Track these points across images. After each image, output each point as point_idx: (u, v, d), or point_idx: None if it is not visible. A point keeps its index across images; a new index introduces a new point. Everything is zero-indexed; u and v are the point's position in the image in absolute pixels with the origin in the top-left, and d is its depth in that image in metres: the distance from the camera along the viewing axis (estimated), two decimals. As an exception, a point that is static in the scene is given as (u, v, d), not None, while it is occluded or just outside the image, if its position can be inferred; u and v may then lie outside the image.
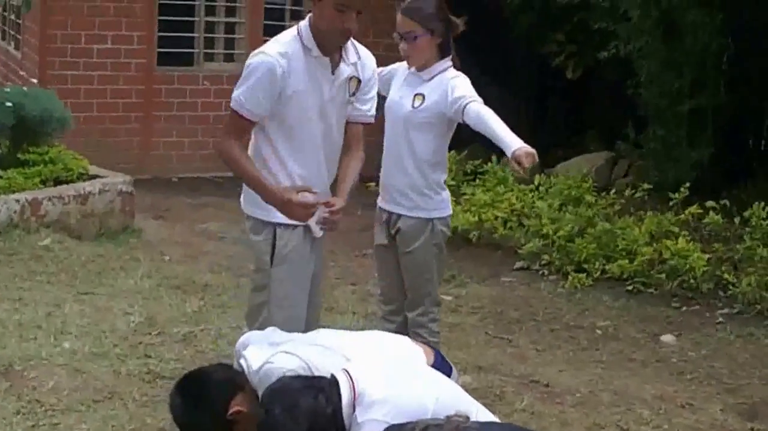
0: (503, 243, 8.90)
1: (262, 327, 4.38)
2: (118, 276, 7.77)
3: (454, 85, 4.91)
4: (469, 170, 10.03)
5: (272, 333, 4.01)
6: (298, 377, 3.60)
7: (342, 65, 4.38)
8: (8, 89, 9.52)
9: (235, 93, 4.39)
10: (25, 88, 9.60)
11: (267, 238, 4.48)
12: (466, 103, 4.81)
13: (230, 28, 12.52)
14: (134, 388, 5.43)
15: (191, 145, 12.39)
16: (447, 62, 5.03)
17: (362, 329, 5.65)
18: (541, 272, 8.34)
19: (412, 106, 4.97)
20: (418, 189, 5.00)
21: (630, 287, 7.79)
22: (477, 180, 9.78)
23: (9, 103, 9.20)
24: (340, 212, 4.33)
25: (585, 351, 6.46)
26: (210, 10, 12.38)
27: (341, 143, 4.53)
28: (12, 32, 13.45)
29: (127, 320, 6.53)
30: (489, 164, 9.89)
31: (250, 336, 4.01)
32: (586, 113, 12.94)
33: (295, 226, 4.43)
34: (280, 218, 4.40)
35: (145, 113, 12.19)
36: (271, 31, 12.24)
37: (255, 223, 4.54)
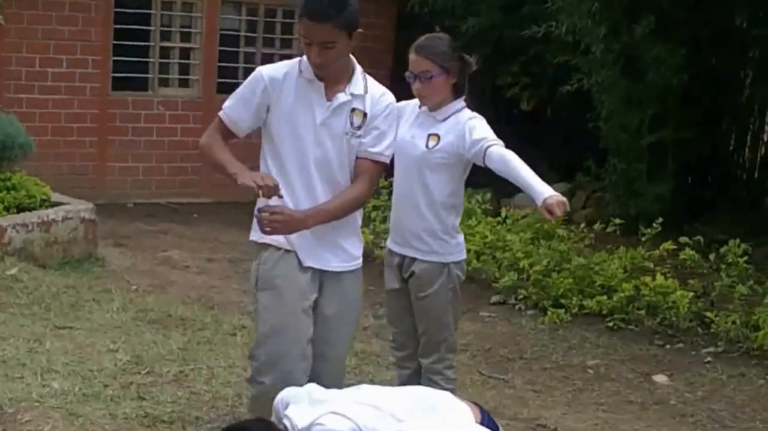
0: (476, 276, 8.86)
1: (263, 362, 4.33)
2: (92, 309, 7.60)
3: (473, 127, 4.81)
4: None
5: (312, 389, 3.89)
6: None
7: (340, 94, 4.25)
8: (-15, 114, 9.28)
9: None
10: (3, 115, 9.36)
11: (257, 261, 4.41)
12: (488, 146, 4.70)
13: (185, 53, 12.38)
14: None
15: (146, 170, 12.23)
16: (461, 102, 4.94)
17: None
18: (518, 307, 8.33)
19: (427, 147, 4.84)
20: (434, 233, 4.89)
21: (610, 324, 7.81)
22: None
23: (-14, 128, 8.99)
24: (281, 217, 4.13)
25: (582, 393, 6.44)
26: (165, 36, 12.24)
27: (345, 178, 4.34)
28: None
29: (113, 358, 6.37)
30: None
31: (289, 393, 3.89)
32: (539, 145, 13.02)
33: (287, 251, 4.30)
34: (266, 239, 4.29)
35: (100, 137, 12.01)
36: (226, 58, 12.43)
37: (253, 247, 4.49)
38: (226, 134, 4.39)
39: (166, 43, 12.22)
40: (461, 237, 5.05)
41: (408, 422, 3.62)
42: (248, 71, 12.30)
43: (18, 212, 9.02)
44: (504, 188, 10.28)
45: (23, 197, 9.16)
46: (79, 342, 6.76)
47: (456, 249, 5.01)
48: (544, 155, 12.64)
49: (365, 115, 4.29)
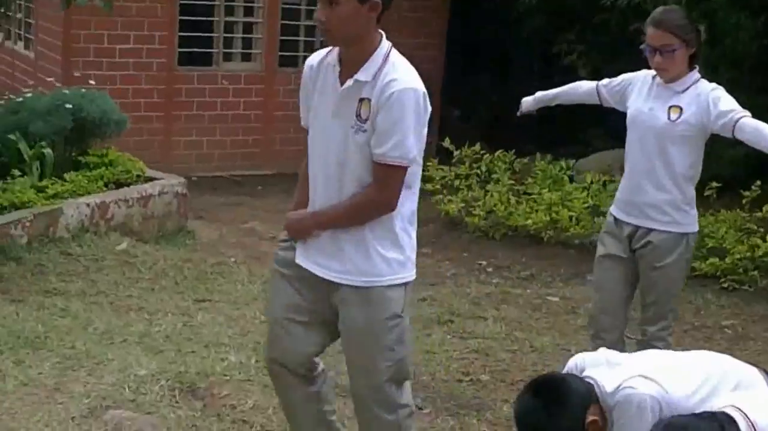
0: (574, 241, 9.00)
1: None
2: (220, 281, 7.73)
3: (717, 98, 4.88)
4: (516, 169, 10.10)
5: (608, 353, 3.99)
6: (695, 415, 3.58)
7: (349, 80, 3.65)
8: (66, 91, 9.31)
9: None
10: (83, 90, 9.40)
11: None
12: (738, 118, 4.76)
13: (248, 28, 12.43)
14: (343, 403, 5.41)
15: (210, 144, 12.28)
16: (696, 73, 5.01)
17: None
18: (623, 271, 8.46)
19: (669, 119, 4.92)
20: (676, 205, 4.98)
21: (725, 285, 7.98)
22: (529, 179, 9.87)
23: (69, 105, 9.04)
24: (292, 220, 3.87)
25: (733, 353, 6.58)
26: (229, 10, 12.27)
27: (356, 181, 3.71)
28: (20, 32, 13.14)
29: (273, 330, 6.47)
30: (539, 162, 10.00)
31: (584, 357, 3.99)
32: (588, 112, 13.16)
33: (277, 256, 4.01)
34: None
35: (166, 112, 12.04)
36: (288, 31, 12.46)
37: None
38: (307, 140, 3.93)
39: (229, 18, 12.24)
40: (695, 209, 5.13)
41: (739, 394, 3.69)
42: (309, 45, 12.66)
43: (117, 188, 9.09)
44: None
45: (120, 173, 9.23)
46: (227, 314, 6.88)
47: (694, 220, 5.12)
48: (595, 122, 12.85)
49: (371, 106, 3.64)
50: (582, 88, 5.58)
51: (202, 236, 9.52)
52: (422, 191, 9.67)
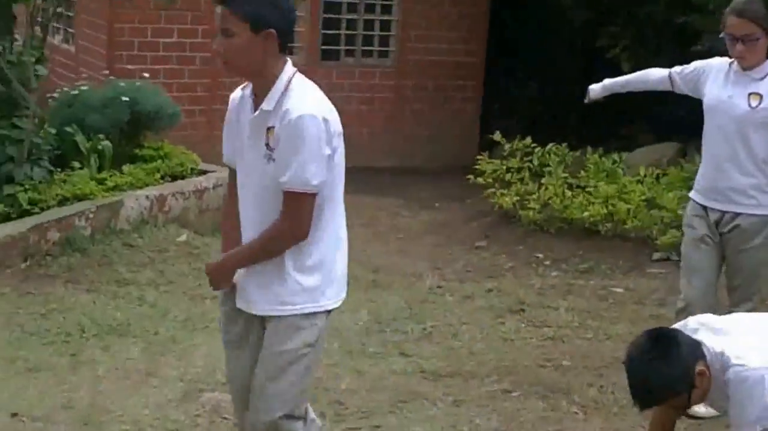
0: (630, 234, 9.02)
1: None
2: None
3: None
4: (568, 162, 10.12)
5: (709, 318, 4.05)
6: None
7: (257, 111, 3.58)
8: (122, 83, 9.34)
9: None
10: (137, 83, 9.43)
11: None
12: None
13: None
14: (433, 387, 5.46)
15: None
16: None
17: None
18: (683, 263, 8.48)
19: (749, 106, 5.02)
20: (761, 188, 5.09)
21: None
22: (582, 172, 9.90)
23: (125, 98, 9.08)
24: (210, 269, 3.77)
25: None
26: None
27: (273, 210, 3.58)
28: (59, 26, 13.17)
29: (352, 318, 6.53)
30: (591, 156, 10.02)
31: (688, 322, 4.04)
32: (630, 107, 13.21)
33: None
34: None
35: (209, 106, 12.07)
36: (330, 25, 12.50)
37: None
38: (232, 174, 3.81)
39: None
40: None
41: None
42: (350, 39, 12.71)
43: (172, 181, 9.13)
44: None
45: (175, 166, 9.27)
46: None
47: None
48: (636, 117, 12.90)
49: (277, 135, 3.55)
50: (653, 76, 5.64)
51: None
52: (474, 185, 9.81)
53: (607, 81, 5.83)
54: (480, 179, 9.98)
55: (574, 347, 6.32)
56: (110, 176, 8.67)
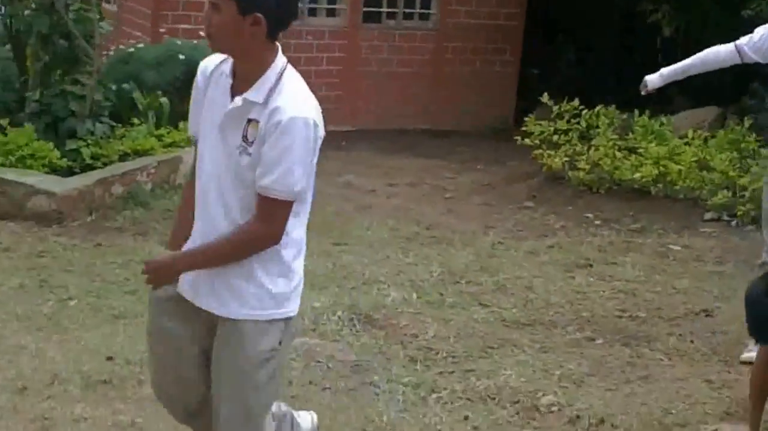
0: (681, 195, 9.10)
1: None
2: (345, 227, 7.90)
3: None
4: (617, 125, 10.18)
5: None
6: None
7: (238, 98, 3.26)
8: (179, 41, 9.41)
9: None
10: (195, 42, 9.50)
11: None
12: None
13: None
14: (518, 334, 5.56)
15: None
16: None
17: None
18: (734, 223, 8.58)
19: None
20: None
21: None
22: (630, 134, 9.97)
23: (182, 56, 9.15)
24: (151, 267, 3.43)
25: None
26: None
27: (237, 204, 3.32)
28: (102, -15, 13.20)
29: (425, 270, 6.63)
30: (639, 118, 10.09)
31: None
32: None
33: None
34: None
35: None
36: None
37: None
38: (195, 151, 3.52)
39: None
40: None
41: None
42: (392, 1, 12.76)
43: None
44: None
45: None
46: (369, 256, 7.02)
47: None
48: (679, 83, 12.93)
49: (258, 129, 3.26)
50: (719, 55, 5.74)
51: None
52: (521, 147, 9.89)
53: (665, 70, 5.92)
54: (527, 141, 10.04)
55: (645, 299, 6.42)
56: (167, 132, 8.76)
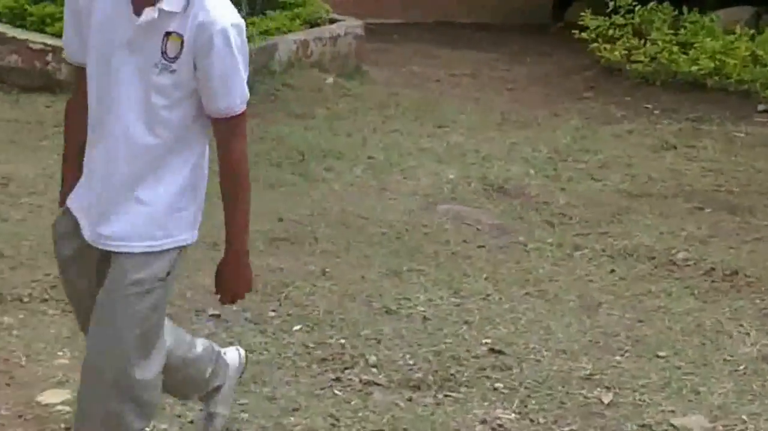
0: (732, 88, 9.78)
1: None
2: (442, 110, 8.54)
3: None
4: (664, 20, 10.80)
5: None
6: None
7: (148, 9, 2.89)
8: (264, -64, 9.91)
9: None
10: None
11: None
12: None
13: None
14: (636, 203, 6.27)
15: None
16: None
17: None
18: (788, 114, 9.29)
19: None
20: None
21: None
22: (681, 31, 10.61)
23: (269, -50, 9.66)
24: (239, 292, 3.23)
25: None
26: None
27: (144, 128, 2.99)
28: None
29: (535, 150, 7.33)
30: (688, 15, 10.72)
31: None
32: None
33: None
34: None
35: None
36: None
37: None
38: (78, 73, 3.14)
39: None
40: None
41: None
42: None
43: (310, 27, 9.78)
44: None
45: (312, 13, 9.91)
46: (477, 137, 7.70)
47: None
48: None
49: (182, 42, 2.92)
50: None
51: (374, 77, 10.24)
52: (577, 40, 10.52)
53: None
54: (584, 35, 10.67)
55: (733, 177, 7.14)
56: (260, 20, 9.31)
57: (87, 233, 3.10)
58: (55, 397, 4.03)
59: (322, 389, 4.21)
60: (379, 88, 9.33)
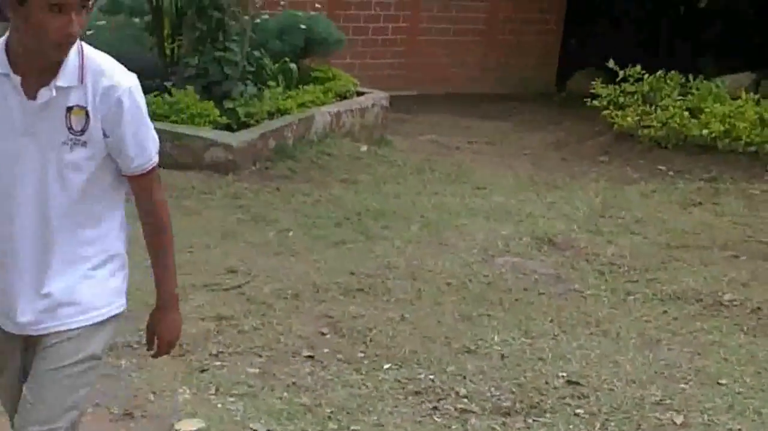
0: (740, 150, 10.37)
1: None
2: (470, 174, 9.06)
3: None
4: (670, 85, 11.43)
5: None
6: None
7: (43, 90, 2.84)
8: (300, 13, 10.51)
9: None
10: (312, 13, 10.61)
11: None
12: None
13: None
14: (677, 253, 6.79)
15: (361, 66, 13.50)
16: None
17: None
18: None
19: None
20: None
21: None
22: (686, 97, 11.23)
23: (302, 26, 10.26)
24: (171, 340, 3.20)
25: None
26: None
27: (61, 212, 2.92)
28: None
29: (576, 209, 7.85)
30: (694, 82, 11.36)
31: None
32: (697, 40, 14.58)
33: None
34: None
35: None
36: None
37: None
38: None
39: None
40: None
41: None
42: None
43: (340, 100, 10.35)
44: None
45: (341, 86, 10.49)
46: (516, 197, 8.22)
47: None
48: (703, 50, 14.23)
49: (87, 114, 2.89)
50: None
51: (398, 145, 10.80)
52: (590, 108, 11.13)
53: None
54: (596, 102, 11.28)
55: (761, 228, 7.69)
56: (296, 94, 9.87)
57: (10, 324, 3.01)
58: (190, 425, 4.47)
59: (422, 417, 4.66)
60: (410, 155, 9.88)
